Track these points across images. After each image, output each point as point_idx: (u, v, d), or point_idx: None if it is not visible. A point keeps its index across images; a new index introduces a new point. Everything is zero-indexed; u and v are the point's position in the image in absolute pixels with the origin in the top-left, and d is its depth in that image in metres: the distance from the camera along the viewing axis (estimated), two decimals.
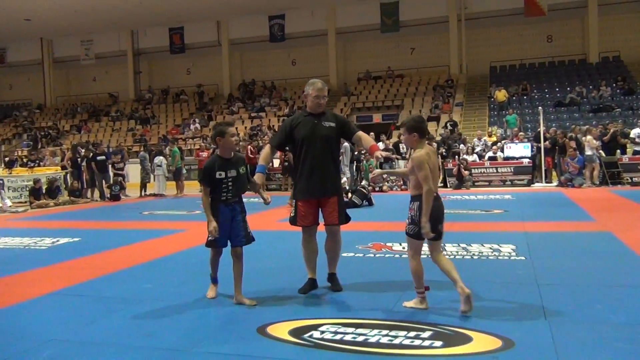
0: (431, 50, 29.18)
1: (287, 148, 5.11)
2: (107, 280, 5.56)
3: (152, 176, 18.09)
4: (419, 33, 28.78)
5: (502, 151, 17.51)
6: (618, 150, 16.65)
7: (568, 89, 24.64)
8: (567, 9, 26.50)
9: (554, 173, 17.19)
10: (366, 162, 16.27)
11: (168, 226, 9.91)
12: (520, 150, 17.20)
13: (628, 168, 15.81)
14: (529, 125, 21.93)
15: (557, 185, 16.01)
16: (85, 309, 4.50)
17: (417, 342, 3.48)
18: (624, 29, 26.69)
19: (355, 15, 28.93)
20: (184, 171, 18.75)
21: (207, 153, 18.60)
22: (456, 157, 17.62)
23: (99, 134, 30.31)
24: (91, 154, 17.35)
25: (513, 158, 17.06)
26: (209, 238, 4.52)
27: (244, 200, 4.65)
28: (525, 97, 25.07)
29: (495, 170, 16.93)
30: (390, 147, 17.93)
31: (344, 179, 13.99)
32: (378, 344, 3.46)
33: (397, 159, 16.86)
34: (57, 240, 8.39)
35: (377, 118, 25.71)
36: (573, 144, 15.82)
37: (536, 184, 16.54)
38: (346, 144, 14.28)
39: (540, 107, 18.62)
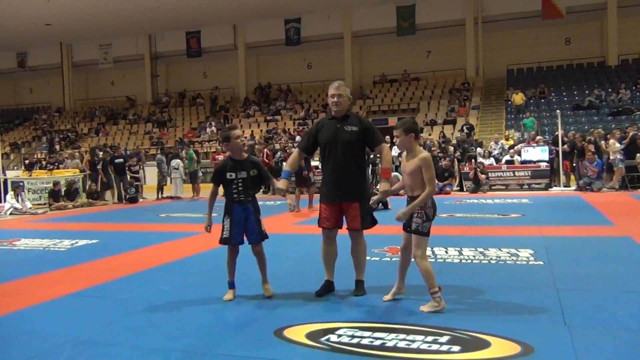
0: (447, 53, 29.07)
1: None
2: (125, 282, 5.61)
3: (169, 179, 18.23)
4: (435, 36, 28.70)
5: (520, 155, 17.37)
6: (638, 154, 16.42)
7: (586, 91, 24.39)
8: (586, 11, 26.25)
9: (572, 177, 17.01)
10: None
11: (185, 228, 9.96)
12: (538, 153, 17.05)
13: None
14: (547, 129, 21.74)
15: (575, 189, 15.83)
16: (104, 310, 4.54)
17: (434, 346, 3.46)
18: None
19: (371, 18, 28.94)
20: (200, 174, 18.86)
21: (222, 156, 18.69)
22: (473, 160, 17.52)
23: (116, 137, 30.63)
24: (109, 157, 17.53)
25: (530, 162, 16.92)
26: (223, 235, 4.72)
27: (260, 202, 4.71)
28: (543, 100, 24.86)
29: (512, 174, 16.79)
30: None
31: None
32: (395, 348, 3.44)
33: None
34: (76, 242, 8.47)
35: (392, 121, 25.57)
36: (592, 147, 15.64)
37: (554, 188, 16.38)
38: None
39: (558, 110, 18.46)
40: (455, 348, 3.42)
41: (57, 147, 29.10)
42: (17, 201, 14.28)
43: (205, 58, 32.67)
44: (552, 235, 7.85)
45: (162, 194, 18.05)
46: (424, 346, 3.46)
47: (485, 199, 14.01)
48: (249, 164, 4.77)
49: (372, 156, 16.90)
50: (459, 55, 28.65)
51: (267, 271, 4.84)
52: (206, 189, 19.22)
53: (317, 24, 29.86)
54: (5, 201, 14.59)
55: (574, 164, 16.55)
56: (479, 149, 18.21)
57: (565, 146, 16.50)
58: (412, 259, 4.36)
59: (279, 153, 19.42)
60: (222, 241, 4.75)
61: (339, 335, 3.70)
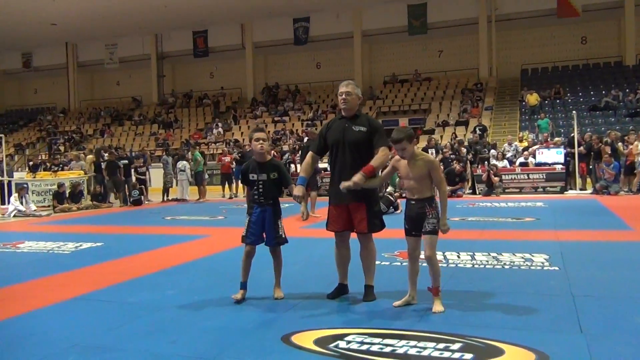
0: (460, 52, 29.03)
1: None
2: (130, 285, 5.63)
3: (174, 181, 18.30)
4: (447, 35, 28.66)
5: (534, 157, 17.29)
6: None
7: (603, 92, 24.25)
8: (603, 10, 26.10)
9: (588, 180, 16.90)
10: None
11: (191, 232, 10.00)
12: (553, 155, 16.96)
13: None
14: (562, 130, 21.62)
15: (591, 193, 15.73)
16: (109, 314, 4.56)
17: (446, 354, 3.44)
18: None
19: (381, 17, 28.94)
20: (206, 176, 18.92)
21: (229, 158, 18.76)
22: (486, 162, 17.46)
23: (122, 138, 30.81)
24: (114, 158, 17.61)
25: (545, 164, 16.83)
26: (243, 234, 4.86)
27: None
28: (558, 101, 24.74)
29: (526, 177, 16.71)
30: None
31: None
32: (406, 356, 3.43)
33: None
34: (80, 245, 8.52)
35: (403, 122, 25.60)
36: (608, 149, 15.53)
37: (570, 191, 16.29)
38: None
39: (574, 112, 18.36)
40: (468, 356, 3.40)
41: (62, 148, 29.29)
42: (21, 203, 14.39)
43: (212, 58, 32.81)
44: (568, 240, 7.80)
45: (167, 196, 18.12)
46: (436, 353, 3.45)
47: (498, 202, 13.94)
48: (271, 166, 4.85)
49: None
50: (471, 55, 28.59)
51: (280, 272, 4.91)
52: (212, 191, 19.35)
53: (327, 23, 29.90)
54: (9, 203, 14.71)
55: (590, 167, 16.44)
56: (492, 151, 18.13)
57: (582, 148, 16.40)
58: (424, 261, 4.39)
59: (287, 154, 19.45)
60: (241, 239, 4.90)
61: (348, 342, 3.69)
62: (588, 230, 8.80)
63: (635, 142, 15.67)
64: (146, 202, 17.24)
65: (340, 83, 4.88)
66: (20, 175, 20.43)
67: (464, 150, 17.92)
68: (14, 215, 14.12)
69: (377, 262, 4.96)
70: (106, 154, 17.85)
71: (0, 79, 38.59)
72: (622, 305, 4.41)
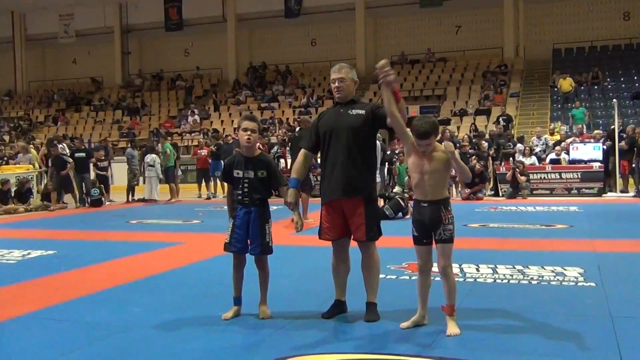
0: (481, 29, 29.08)
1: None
2: (88, 301, 5.62)
3: (141, 178, 18.26)
4: (466, 8, 28.69)
5: (567, 153, 17.34)
6: None
7: None
8: None
9: (630, 180, 16.96)
10: (400, 164, 16.24)
11: (161, 238, 9.98)
12: (590, 151, 17.01)
13: None
14: (600, 122, 21.71)
15: (634, 196, 15.80)
16: (63, 335, 4.55)
17: None
18: None
19: None
20: (179, 172, 18.89)
21: (206, 150, 18.74)
22: (510, 159, 17.49)
23: (78, 126, 30.73)
24: (68, 151, 17.56)
25: (580, 161, 16.89)
26: (225, 241, 4.86)
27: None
28: (596, 87, 24.83)
29: (558, 176, 16.77)
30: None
31: None
32: None
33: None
34: (29, 253, 8.48)
35: (413, 111, 25.49)
36: None
37: (609, 194, 16.35)
38: (377, 142, 14.22)
39: (614, 100, 18.41)
40: None
41: (7, 138, 29.21)
42: None
43: (187, 32, 32.73)
44: (606, 251, 7.83)
45: (133, 196, 18.09)
46: None
47: (525, 206, 13.99)
48: (259, 162, 4.84)
49: (388, 152, 16.95)
50: (495, 32, 28.64)
51: (266, 286, 4.91)
52: (187, 190, 19.33)
53: None
54: None
55: (633, 165, 16.50)
56: (518, 145, 18.18)
57: (623, 143, 16.46)
58: (437, 274, 4.41)
59: (275, 147, 19.45)
60: (224, 247, 4.90)
61: None
62: (630, 239, 8.82)
63: None
64: (107, 203, 17.20)
65: (339, 64, 4.91)
66: None
67: (485, 144, 17.96)
68: None
69: (381, 276, 4.97)
70: (60, 145, 17.78)
71: None
72: None
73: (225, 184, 5.11)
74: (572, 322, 4.63)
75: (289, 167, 18.14)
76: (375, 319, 4.68)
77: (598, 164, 16.65)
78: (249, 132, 4.76)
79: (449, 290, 4.36)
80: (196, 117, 28.25)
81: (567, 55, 27.78)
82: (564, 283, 5.95)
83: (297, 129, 17.17)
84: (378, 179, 15.45)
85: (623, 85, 24.65)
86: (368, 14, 30.14)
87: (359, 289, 4.87)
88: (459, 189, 16.43)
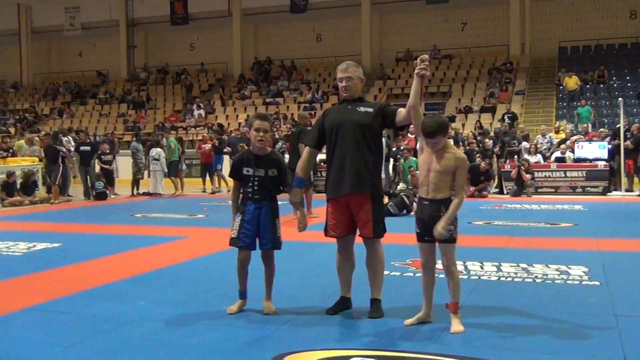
0: (487, 25, 28.99)
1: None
2: (92, 295, 5.63)
3: (146, 172, 18.27)
4: (472, 5, 28.62)
5: (572, 151, 17.31)
6: None
7: None
8: None
9: (636, 179, 16.93)
10: (404, 161, 16.21)
11: (165, 232, 10.00)
12: (595, 150, 16.97)
13: None
14: (606, 120, 21.64)
15: (639, 195, 15.76)
16: (66, 329, 4.56)
17: None
18: None
19: None
20: (184, 167, 18.90)
21: (210, 145, 18.74)
22: (515, 157, 17.46)
23: (84, 119, 30.75)
24: (74, 144, 17.57)
25: (586, 160, 16.85)
26: (231, 235, 4.83)
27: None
28: (602, 86, 24.76)
29: (563, 175, 16.73)
30: None
31: None
32: None
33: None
34: (34, 246, 8.50)
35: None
36: None
37: (614, 193, 16.32)
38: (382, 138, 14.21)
39: (620, 99, 18.35)
40: None
41: (12, 130, 29.25)
42: None
43: (193, 26, 32.69)
44: (611, 249, 7.83)
45: (137, 189, 18.11)
46: None
47: (529, 204, 13.97)
48: (270, 161, 4.85)
49: (394, 148, 16.93)
50: (501, 29, 28.55)
51: (272, 282, 4.92)
52: (191, 184, 19.34)
53: None
54: None
55: (639, 164, 16.46)
56: (523, 143, 18.13)
57: (629, 142, 16.41)
58: (441, 272, 4.41)
59: (280, 143, 19.43)
60: (231, 242, 4.86)
61: None
62: (635, 239, 8.82)
63: None
64: (112, 196, 17.23)
65: (344, 60, 4.92)
66: None
67: (489, 142, 17.93)
68: None
69: (385, 273, 4.98)
70: (65, 138, 17.76)
71: None
72: None
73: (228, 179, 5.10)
74: (576, 320, 4.63)
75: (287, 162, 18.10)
76: (380, 316, 4.69)
77: (603, 162, 16.61)
78: (261, 133, 4.76)
79: (453, 288, 4.37)
80: (201, 111, 28.23)
81: (573, 54, 27.69)
82: (568, 282, 5.95)
83: (294, 124, 17.11)
84: (383, 175, 15.56)
85: (629, 84, 24.57)
86: (374, 10, 30.08)
87: (363, 286, 4.87)
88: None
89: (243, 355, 3.95)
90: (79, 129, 25.83)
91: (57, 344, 4.17)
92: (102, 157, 17.48)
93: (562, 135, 19.01)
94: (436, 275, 4.54)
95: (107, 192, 16.90)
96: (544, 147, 18.12)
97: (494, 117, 23.32)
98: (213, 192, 18.06)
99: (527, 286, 5.78)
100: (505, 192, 16.60)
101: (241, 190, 4.94)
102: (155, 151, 17.73)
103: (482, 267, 6.54)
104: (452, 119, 23.60)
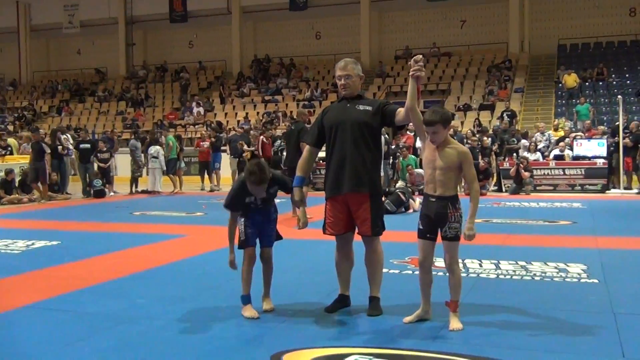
0: (486, 23, 28.98)
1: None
2: (92, 292, 5.64)
3: (144, 169, 18.26)
4: (472, 2, 28.60)
5: (571, 149, 17.31)
6: None
7: None
8: None
9: (634, 177, 16.93)
10: (403, 159, 16.22)
11: (164, 230, 10.01)
12: (594, 148, 16.98)
13: None
14: (605, 118, 21.65)
15: (638, 193, 15.78)
16: (65, 327, 4.57)
17: None
18: None
19: None
20: (183, 165, 18.88)
21: (208, 142, 18.72)
22: (514, 155, 17.46)
23: (82, 117, 30.72)
24: (73, 142, 17.56)
25: (584, 157, 16.85)
26: (240, 238, 4.77)
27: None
28: (601, 83, 24.75)
29: (562, 172, 16.73)
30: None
31: None
32: None
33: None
34: (32, 244, 8.51)
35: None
36: None
37: (613, 191, 16.32)
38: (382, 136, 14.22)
39: (619, 96, 18.35)
40: None
41: (11, 128, 29.23)
42: None
43: (192, 24, 32.64)
44: (610, 247, 7.83)
45: (136, 187, 18.10)
46: None
47: (528, 202, 13.98)
48: (272, 182, 4.69)
49: (393, 146, 16.93)
50: (500, 27, 28.54)
51: (271, 280, 4.92)
52: (190, 182, 19.34)
53: None
54: None
55: (638, 162, 16.47)
56: (522, 141, 18.13)
57: (627, 140, 16.42)
58: (440, 270, 4.42)
59: (278, 141, 19.42)
60: (240, 245, 4.78)
61: None
62: (633, 236, 8.82)
63: None
64: (111, 194, 17.23)
65: (343, 58, 4.92)
66: None
67: (488, 140, 17.92)
68: None
69: (384, 270, 4.98)
70: (63, 136, 17.74)
71: None
72: None
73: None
74: (575, 318, 4.64)
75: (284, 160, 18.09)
76: (378, 314, 4.70)
77: (602, 160, 16.62)
78: (261, 187, 4.58)
79: (454, 287, 4.39)
80: (200, 109, 28.21)
81: (572, 51, 27.68)
82: (567, 279, 5.95)
83: (293, 122, 17.09)
84: (382, 174, 15.56)
85: (628, 82, 24.56)
86: (373, 7, 30.03)
87: (362, 284, 4.88)
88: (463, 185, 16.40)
89: (242, 353, 3.97)
90: (77, 126, 25.80)
91: (56, 342, 4.19)
92: (98, 155, 17.48)
93: (561, 133, 19.02)
94: (435, 273, 4.55)
95: (106, 189, 16.91)
96: (543, 145, 18.12)
97: (493, 114, 23.31)
98: (211, 190, 18.05)
99: (525, 284, 5.79)
100: (504, 190, 16.61)
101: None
102: (153, 149, 17.72)
103: (480, 265, 6.55)
104: (452, 116, 23.58)
